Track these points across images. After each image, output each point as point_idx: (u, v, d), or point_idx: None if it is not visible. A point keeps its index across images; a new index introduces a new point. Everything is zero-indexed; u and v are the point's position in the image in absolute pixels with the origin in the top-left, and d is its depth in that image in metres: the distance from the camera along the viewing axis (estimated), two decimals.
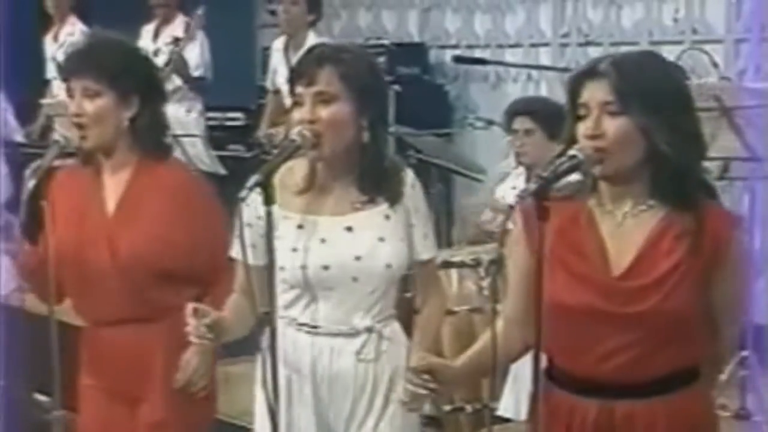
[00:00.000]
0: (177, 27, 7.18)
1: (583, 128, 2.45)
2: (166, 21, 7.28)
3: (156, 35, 7.02)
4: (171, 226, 3.12)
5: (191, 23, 6.97)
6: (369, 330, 2.88)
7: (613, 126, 2.41)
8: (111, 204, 3.17)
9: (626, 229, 2.50)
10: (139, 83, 3.13)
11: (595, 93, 2.44)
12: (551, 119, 4.95)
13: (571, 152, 2.41)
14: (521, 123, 4.97)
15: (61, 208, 3.19)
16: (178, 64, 6.80)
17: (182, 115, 6.69)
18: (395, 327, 2.96)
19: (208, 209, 3.22)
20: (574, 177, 2.49)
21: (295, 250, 2.84)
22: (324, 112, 2.78)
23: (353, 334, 2.88)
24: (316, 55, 2.84)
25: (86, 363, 3.28)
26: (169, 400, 3.17)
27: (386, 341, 2.90)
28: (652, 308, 2.44)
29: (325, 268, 2.83)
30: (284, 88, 6.09)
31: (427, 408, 4.84)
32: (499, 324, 2.64)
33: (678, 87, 2.51)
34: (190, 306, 2.69)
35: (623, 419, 2.51)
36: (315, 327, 2.88)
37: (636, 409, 2.51)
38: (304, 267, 2.83)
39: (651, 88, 2.43)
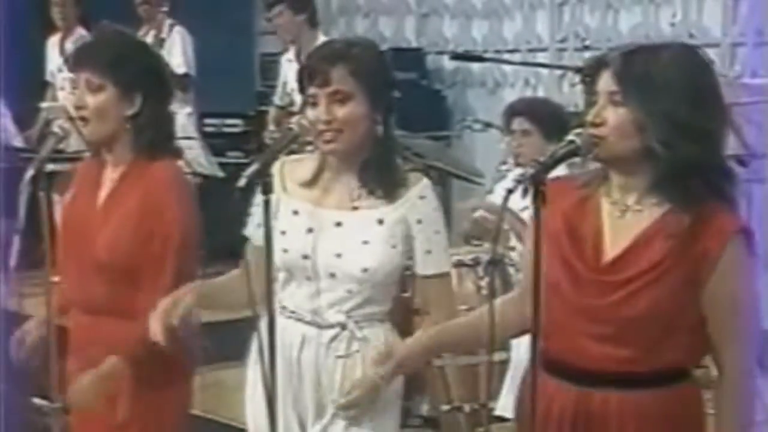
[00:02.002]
0: (161, 28, 7.28)
1: (588, 114, 2.45)
2: (149, 21, 7.36)
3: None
4: (138, 226, 3.05)
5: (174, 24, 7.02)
6: (341, 326, 2.84)
7: (613, 116, 2.41)
8: (101, 199, 3.16)
9: (626, 222, 2.49)
10: (142, 78, 3.08)
11: (604, 82, 2.44)
12: (549, 120, 4.96)
13: (569, 137, 2.41)
14: (519, 124, 4.97)
15: (71, 199, 3.23)
16: None
17: None
18: (379, 331, 2.87)
19: (177, 212, 3.07)
20: (593, 165, 2.50)
21: (283, 233, 2.84)
22: (340, 112, 2.77)
23: (325, 326, 2.85)
24: (328, 53, 2.82)
25: (71, 346, 3.23)
26: (132, 404, 3.07)
27: (359, 341, 2.84)
28: (617, 304, 2.42)
29: (305, 257, 2.83)
30: (297, 96, 6.10)
31: (425, 408, 4.85)
32: (503, 298, 2.73)
33: (688, 83, 2.42)
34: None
35: (599, 408, 2.48)
36: (293, 312, 2.87)
37: (611, 399, 2.47)
38: (285, 251, 2.82)
39: (654, 82, 2.39)
